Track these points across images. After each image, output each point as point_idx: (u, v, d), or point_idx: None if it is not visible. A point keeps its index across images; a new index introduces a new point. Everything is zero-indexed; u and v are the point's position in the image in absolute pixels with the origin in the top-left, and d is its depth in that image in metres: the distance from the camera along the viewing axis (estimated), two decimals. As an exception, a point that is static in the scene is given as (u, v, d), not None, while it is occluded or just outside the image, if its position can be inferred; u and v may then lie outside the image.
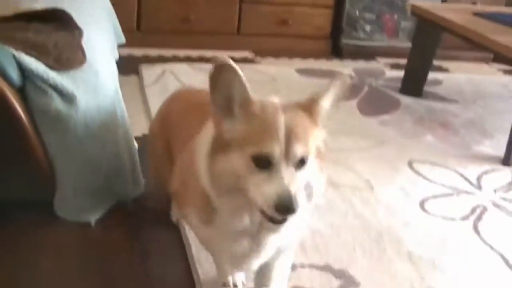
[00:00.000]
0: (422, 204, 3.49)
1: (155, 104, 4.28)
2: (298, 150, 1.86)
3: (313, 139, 1.94)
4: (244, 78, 1.87)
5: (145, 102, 4.54)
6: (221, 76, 1.86)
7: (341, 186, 3.57)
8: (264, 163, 1.83)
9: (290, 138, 1.84)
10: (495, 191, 3.72)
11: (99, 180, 3.04)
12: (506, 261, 3.04)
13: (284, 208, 1.80)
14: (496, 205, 3.56)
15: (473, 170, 3.98)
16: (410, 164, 3.96)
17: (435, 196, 3.59)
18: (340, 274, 2.82)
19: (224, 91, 1.88)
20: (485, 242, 3.18)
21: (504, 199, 3.63)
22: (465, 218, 3.39)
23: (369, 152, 4.11)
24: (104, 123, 2.96)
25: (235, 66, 1.85)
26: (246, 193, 1.90)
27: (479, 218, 3.40)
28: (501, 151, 4.16)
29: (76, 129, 2.85)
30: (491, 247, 3.14)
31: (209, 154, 1.94)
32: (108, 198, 3.14)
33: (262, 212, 1.89)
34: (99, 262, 2.82)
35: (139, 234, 3.02)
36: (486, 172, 3.96)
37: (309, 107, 1.98)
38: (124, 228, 3.06)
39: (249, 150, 1.84)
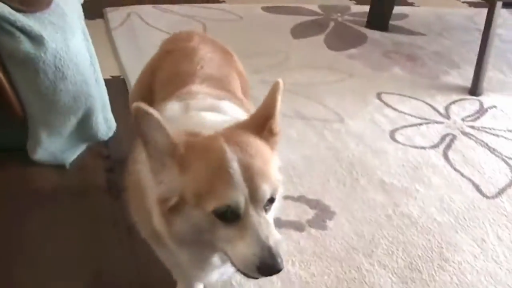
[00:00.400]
0: (392, 134, 3.53)
1: (123, 46, 4.30)
2: (266, 190, 1.57)
3: (275, 168, 1.67)
4: (161, 119, 1.56)
5: (112, 45, 4.51)
6: (141, 125, 1.56)
7: (312, 119, 3.60)
8: (230, 217, 1.54)
9: (251, 177, 1.54)
10: (463, 119, 3.77)
11: (72, 122, 3.03)
12: (476, 187, 3.11)
13: (268, 269, 1.54)
14: (464, 133, 3.61)
15: (441, 100, 4.02)
16: (379, 96, 3.99)
17: (404, 126, 3.64)
18: (315, 204, 2.87)
19: (152, 139, 1.58)
20: (455, 169, 3.24)
21: (472, 127, 3.68)
22: (435, 146, 3.44)
23: (338, 85, 4.13)
24: (74, 64, 2.93)
25: (146, 108, 1.55)
26: (214, 246, 1.64)
27: (448, 146, 3.45)
28: (468, 81, 4.20)
29: (46, 70, 2.83)
30: (461, 174, 3.20)
31: (161, 214, 1.64)
32: (81, 140, 3.15)
33: (240, 271, 1.63)
34: (77, 204, 2.85)
35: (114, 175, 3.03)
36: (454, 102, 4.00)
37: (260, 127, 1.69)
38: (99, 170, 3.09)
39: (207, 205, 1.53)
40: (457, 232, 2.79)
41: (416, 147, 3.42)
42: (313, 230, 2.71)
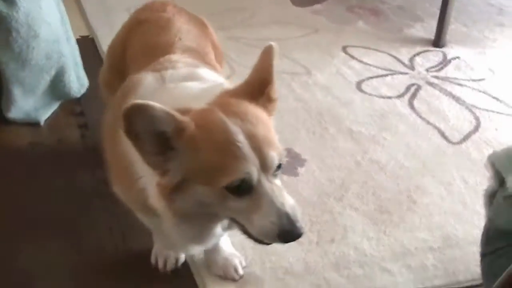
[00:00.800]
0: (358, 85, 3.60)
1: (89, 6, 4.28)
2: (274, 157, 1.57)
3: (274, 131, 1.66)
4: (161, 106, 1.49)
5: (78, 3, 4.48)
6: (137, 122, 1.48)
7: (280, 73, 3.63)
8: (243, 189, 1.54)
9: (259, 147, 1.53)
10: (427, 70, 3.84)
11: (45, 80, 3.08)
12: (441, 133, 3.19)
13: (289, 235, 1.57)
14: (429, 83, 3.68)
15: (405, 52, 4.08)
16: (344, 49, 4.04)
17: (370, 77, 3.71)
18: (286, 152, 2.91)
19: (149, 134, 1.51)
20: (420, 116, 3.32)
21: (436, 77, 3.76)
22: (400, 96, 3.51)
23: (304, 40, 4.17)
24: (46, 23, 2.96)
25: (144, 101, 1.48)
26: (219, 217, 1.68)
27: (414, 95, 3.52)
28: (431, 34, 4.26)
29: (18, 29, 2.86)
30: (427, 121, 3.28)
31: (161, 196, 1.61)
32: (55, 97, 3.20)
33: (257, 240, 1.65)
34: (54, 159, 2.90)
35: (88, 132, 3.08)
36: (418, 54, 4.07)
37: (256, 93, 1.67)
38: (72, 126, 3.14)
39: (219, 181, 1.52)
40: (424, 176, 2.87)
41: (382, 97, 3.49)
42: (285, 177, 2.76)
